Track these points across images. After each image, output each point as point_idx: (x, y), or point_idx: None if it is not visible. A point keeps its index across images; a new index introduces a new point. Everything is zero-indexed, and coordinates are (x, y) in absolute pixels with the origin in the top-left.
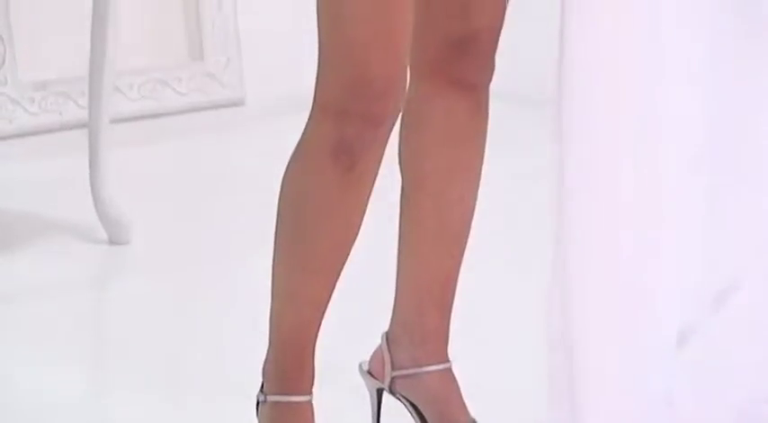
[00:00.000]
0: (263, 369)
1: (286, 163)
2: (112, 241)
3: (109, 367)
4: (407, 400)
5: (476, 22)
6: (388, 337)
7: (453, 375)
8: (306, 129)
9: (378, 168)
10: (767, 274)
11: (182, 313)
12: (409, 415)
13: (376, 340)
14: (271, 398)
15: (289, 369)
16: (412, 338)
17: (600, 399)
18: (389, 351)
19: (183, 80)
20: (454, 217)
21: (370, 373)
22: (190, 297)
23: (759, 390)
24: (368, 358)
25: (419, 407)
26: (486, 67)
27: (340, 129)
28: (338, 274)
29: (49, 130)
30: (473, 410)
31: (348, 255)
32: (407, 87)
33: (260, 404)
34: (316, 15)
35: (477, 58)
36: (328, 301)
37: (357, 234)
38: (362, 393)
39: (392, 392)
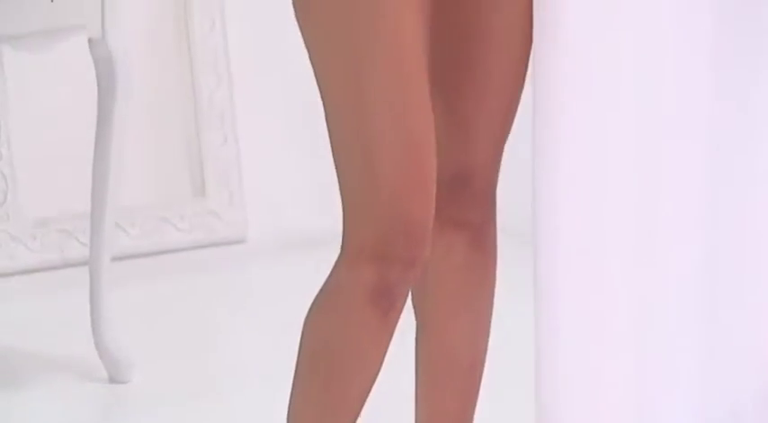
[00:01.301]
0: None
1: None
2: (113, 380)
3: None
4: None
5: (473, 159)
6: None
7: None
8: (336, 275)
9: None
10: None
11: None
12: None
13: None
14: None
15: None
16: None
17: None
18: None
19: (184, 217)
20: (463, 355)
21: None
22: None
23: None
24: None
25: None
26: (486, 205)
27: (380, 274)
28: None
29: (50, 268)
30: None
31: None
32: None
33: None
34: (336, 159)
35: (476, 197)
36: None
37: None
38: None
39: None
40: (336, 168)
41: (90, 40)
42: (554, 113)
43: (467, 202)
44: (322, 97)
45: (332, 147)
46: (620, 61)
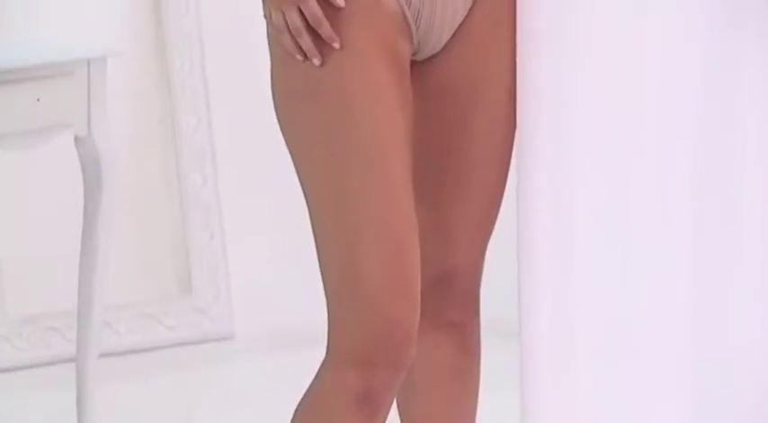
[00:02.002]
0: None
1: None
2: None
3: None
4: None
5: (454, 259)
6: None
7: None
8: (321, 378)
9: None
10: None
11: None
12: None
13: None
14: None
15: None
16: None
17: None
18: None
19: (171, 314)
20: None
21: None
22: None
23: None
24: None
25: None
26: (469, 305)
27: (365, 379)
28: None
29: (37, 365)
30: None
31: None
32: None
33: None
34: (320, 261)
35: (459, 296)
36: None
37: None
38: None
39: None
40: (321, 271)
41: (76, 139)
42: (536, 212)
43: (451, 302)
44: (306, 198)
45: (316, 248)
46: (603, 166)
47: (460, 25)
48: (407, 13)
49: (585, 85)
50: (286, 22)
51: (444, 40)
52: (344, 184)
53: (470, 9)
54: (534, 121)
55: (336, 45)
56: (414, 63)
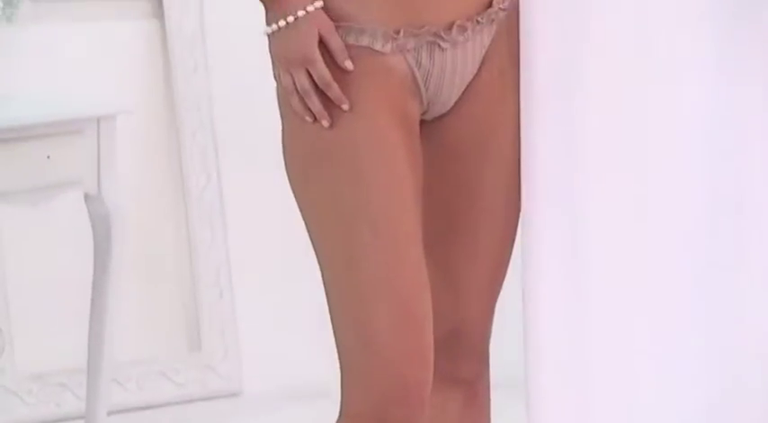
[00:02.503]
0: None
1: None
2: None
3: None
4: None
5: (464, 315)
6: None
7: None
8: None
9: None
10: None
11: None
12: None
13: None
14: None
15: None
16: None
17: None
18: None
19: (180, 371)
20: None
21: None
22: None
23: None
24: None
25: None
26: (479, 361)
27: None
28: None
29: (46, 422)
30: None
31: None
32: None
33: None
34: (332, 321)
35: (468, 352)
36: None
37: None
38: None
39: None
40: (333, 330)
41: (86, 196)
42: (543, 267)
43: (460, 358)
44: (317, 257)
45: (329, 307)
46: (607, 222)
47: (469, 85)
48: (417, 74)
49: (589, 143)
50: (295, 84)
51: (453, 101)
52: (354, 245)
53: (479, 69)
54: (539, 177)
55: (345, 107)
56: (423, 123)
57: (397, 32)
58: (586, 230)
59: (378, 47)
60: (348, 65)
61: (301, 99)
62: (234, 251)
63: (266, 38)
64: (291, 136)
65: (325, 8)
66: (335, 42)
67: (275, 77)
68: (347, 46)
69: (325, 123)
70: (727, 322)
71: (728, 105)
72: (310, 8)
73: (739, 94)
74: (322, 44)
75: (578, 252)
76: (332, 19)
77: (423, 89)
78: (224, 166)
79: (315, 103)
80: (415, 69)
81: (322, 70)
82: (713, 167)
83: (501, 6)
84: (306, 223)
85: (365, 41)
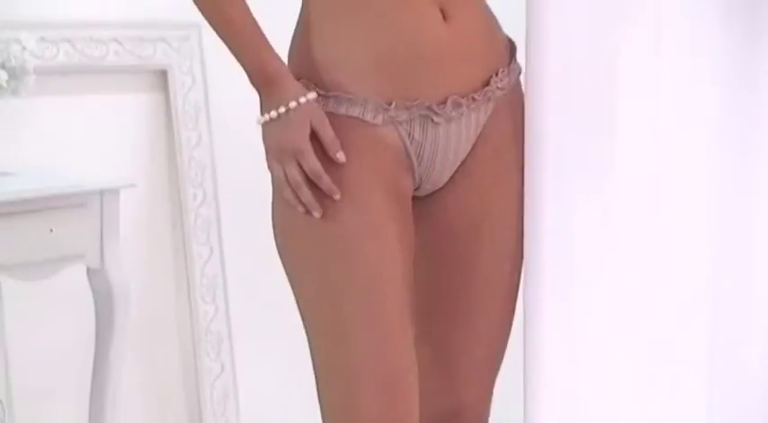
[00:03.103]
0: None
1: None
2: None
3: None
4: None
5: (462, 396)
6: None
7: None
8: None
9: None
10: None
11: None
12: None
13: None
14: None
15: None
16: None
17: None
18: None
19: None
20: None
21: None
22: None
23: None
24: None
25: None
26: None
27: None
28: None
29: None
30: None
31: None
32: None
33: None
34: (319, 399)
35: None
36: None
37: None
38: None
39: None
40: (320, 407)
41: (89, 270)
42: (544, 352)
43: None
44: (306, 331)
45: (315, 383)
46: (610, 302)
47: (463, 162)
48: (409, 148)
49: (593, 226)
50: (286, 176)
51: (446, 177)
52: (340, 323)
53: (473, 146)
54: (540, 260)
55: (337, 197)
56: (415, 198)
57: (389, 104)
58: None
59: (369, 118)
60: (340, 157)
61: (293, 190)
62: (236, 325)
63: (260, 127)
64: (280, 210)
65: (318, 78)
66: (327, 135)
67: (269, 167)
68: (338, 116)
69: (317, 214)
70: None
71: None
72: (303, 100)
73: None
74: (314, 135)
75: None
76: (323, 89)
77: (415, 163)
78: (226, 239)
79: (306, 195)
80: (408, 142)
81: (313, 162)
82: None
83: (498, 86)
84: (295, 297)
85: (356, 112)
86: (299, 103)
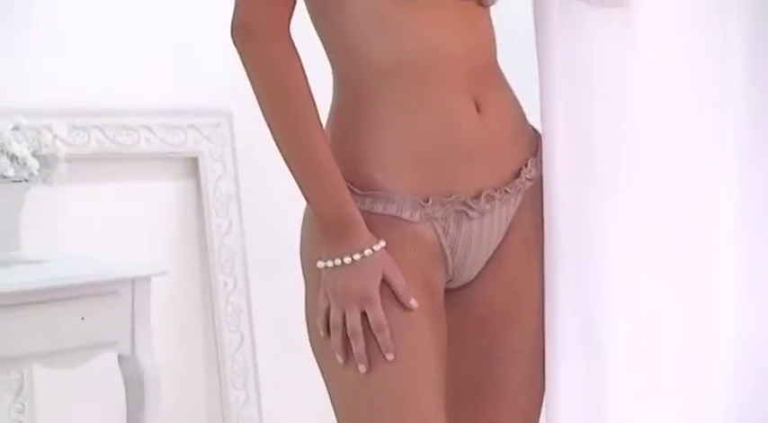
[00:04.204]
0: None
1: None
2: None
3: None
4: None
5: None
6: None
7: None
8: None
9: None
10: None
11: None
12: None
13: None
14: None
15: None
16: None
17: None
18: None
19: None
20: None
21: None
22: None
23: None
24: None
25: None
26: None
27: None
28: None
29: None
30: None
31: None
32: None
33: None
34: None
35: None
36: None
37: None
38: None
39: None
40: None
41: (120, 357)
42: None
43: None
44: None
45: None
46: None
47: (494, 254)
48: (444, 243)
49: (609, 310)
50: (344, 320)
51: (478, 269)
52: (374, 417)
53: (504, 238)
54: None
55: (390, 357)
56: (447, 290)
57: (426, 201)
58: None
59: (406, 216)
60: (413, 304)
61: (344, 337)
62: (266, 412)
63: (320, 269)
64: (315, 302)
65: (353, 176)
66: (400, 283)
67: (322, 307)
68: (374, 214)
69: (362, 369)
70: None
71: None
72: (377, 247)
73: None
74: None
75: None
76: (360, 188)
77: (449, 258)
78: (257, 327)
79: (360, 346)
80: (443, 238)
81: (379, 313)
82: None
83: (528, 176)
84: (327, 389)
85: (393, 210)
86: (373, 251)
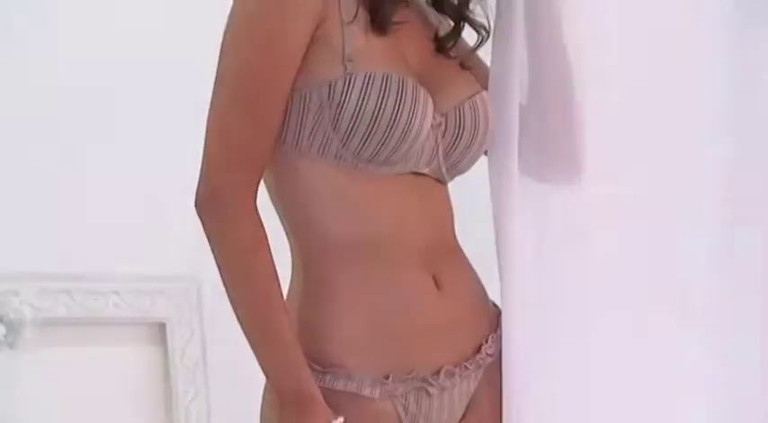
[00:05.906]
0: None
1: None
2: None
3: None
4: None
5: None
6: None
7: None
8: None
9: None
10: None
11: None
12: None
13: None
14: None
15: None
16: None
17: None
18: None
19: None
20: None
21: None
22: None
23: None
24: None
25: None
26: None
27: None
28: None
29: None
30: None
31: None
32: None
33: None
34: None
35: None
36: None
37: None
38: None
39: None
40: None
41: None
42: None
43: None
44: None
45: None
46: None
47: None
48: (404, 420)
49: None
50: None
51: None
52: None
53: (463, 415)
54: None
55: None
56: None
57: (387, 377)
58: None
59: (366, 393)
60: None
61: None
62: None
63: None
64: None
65: (313, 352)
66: None
67: None
68: (335, 392)
69: None
70: None
71: None
72: None
73: None
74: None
75: None
76: (320, 365)
77: None
78: None
79: None
80: (403, 415)
81: None
82: None
83: (488, 352)
84: None
85: (353, 388)
86: None
